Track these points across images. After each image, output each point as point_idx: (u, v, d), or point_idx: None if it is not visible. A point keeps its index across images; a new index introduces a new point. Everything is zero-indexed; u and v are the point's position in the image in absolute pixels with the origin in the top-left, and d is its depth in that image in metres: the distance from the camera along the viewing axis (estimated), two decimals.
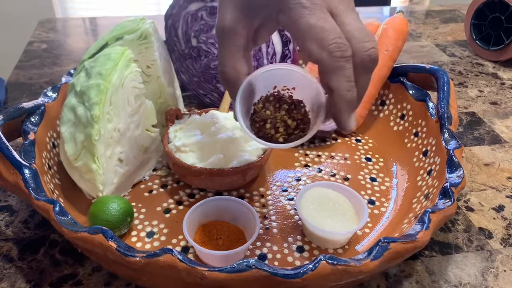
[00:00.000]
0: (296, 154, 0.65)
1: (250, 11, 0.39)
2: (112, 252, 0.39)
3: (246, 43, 0.40)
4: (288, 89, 0.44)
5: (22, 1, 1.60)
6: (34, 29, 1.06)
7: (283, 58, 0.68)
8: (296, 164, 0.63)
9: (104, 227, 0.41)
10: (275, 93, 0.44)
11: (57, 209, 0.43)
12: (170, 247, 0.42)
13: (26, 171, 0.47)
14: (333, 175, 0.61)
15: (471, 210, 0.57)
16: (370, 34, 0.37)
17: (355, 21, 0.37)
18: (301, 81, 0.42)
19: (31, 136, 0.52)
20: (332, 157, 0.64)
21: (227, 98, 0.63)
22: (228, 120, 0.59)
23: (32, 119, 0.55)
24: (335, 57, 0.35)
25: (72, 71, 0.65)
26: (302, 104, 0.44)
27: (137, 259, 0.38)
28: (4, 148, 0.47)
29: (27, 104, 0.55)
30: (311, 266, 0.38)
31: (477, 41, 0.98)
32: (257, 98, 0.44)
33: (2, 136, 0.48)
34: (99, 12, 2.07)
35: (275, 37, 0.67)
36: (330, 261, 0.38)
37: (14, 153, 0.48)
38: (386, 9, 1.31)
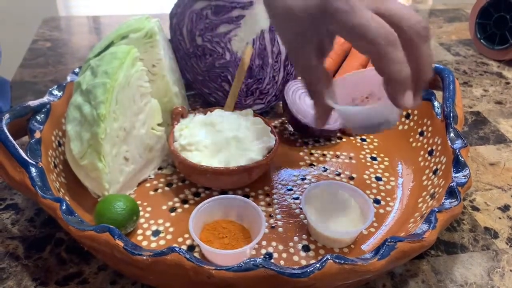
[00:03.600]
0: (301, 153, 0.65)
1: (306, 41, 0.43)
2: (119, 250, 0.39)
3: (317, 61, 0.44)
4: (366, 98, 0.49)
5: (26, 0, 1.61)
6: (38, 28, 1.06)
7: (288, 58, 0.68)
8: (301, 163, 0.63)
9: (110, 226, 0.41)
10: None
11: (63, 207, 0.43)
12: (176, 245, 0.42)
13: (33, 170, 0.47)
14: (338, 174, 0.61)
15: (477, 209, 0.57)
16: (415, 12, 0.41)
17: (398, 4, 0.40)
18: (369, 83, 0.47)
19: (37, 135, 0.52)
20: (337, 156, 0.64)
21: (232, 97, 0.63)
22: (233, 119, 0.59)
23: (38, 118, 0.55)
24: (379, 45, 0.37)
25: (77, 69, 0.65)
26: None
27: (144, 257, 0.39)
28: (11, 147, 0.48)
29: (33, 103, 0.55)
30: (318, 265, 0.38)
31: (481, 40, 0.98)
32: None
33: (8, 134, 0.48)
34: (103, 11, 2.07)
35: None
36: (337, 261, 0.38)
37: (21, 151, 0.48)
38: None
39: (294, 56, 0.45)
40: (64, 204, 0.44)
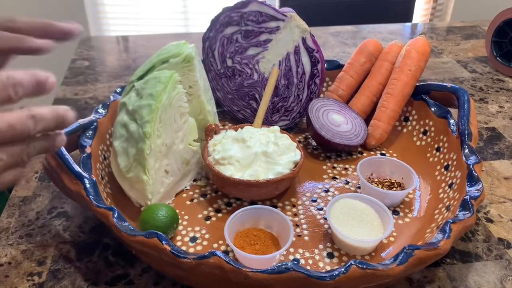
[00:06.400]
0: (324, 167, 0.69)
1: None
2: (166, 254, 0.44)
3: None
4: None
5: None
6: (76, 47, 1.14)
7: (312, 78, 0.73)
8: (325, 176, 0.67)
9: (158, 232, 0.46)
10: None
11: (116, 215, 0.49)
12: (216, 250, 0.47)
13: (87, 182, 0.53)
14: (360, 187, 0.65)
15: (491, 221, 0.61)
16: None
17: None
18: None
19: (88, 150, 0.58)
20: None
21: (260, 114, 0.68)
22: (262, 135, 0.64)
23: (87, 134, 0.61)
24: None
25: (118, 89, 0.72)
26: None
27: (189, 260, 0.44)
28: (68, 162, 0.53)
29: (82, 121, 0.62)
30: (343, 269, 0.43)
31: (497, 58, 1.01)
32: None
33: (65, 151, 0.54)
34: (130, 30, 2.14)
35: (305, 58, 0.72)
36: (360, 265, 0.43)
37: (76, 166, 0.54)
38: (407, 26, 1.35)
39: None
40: (116, 213, 0.49)
